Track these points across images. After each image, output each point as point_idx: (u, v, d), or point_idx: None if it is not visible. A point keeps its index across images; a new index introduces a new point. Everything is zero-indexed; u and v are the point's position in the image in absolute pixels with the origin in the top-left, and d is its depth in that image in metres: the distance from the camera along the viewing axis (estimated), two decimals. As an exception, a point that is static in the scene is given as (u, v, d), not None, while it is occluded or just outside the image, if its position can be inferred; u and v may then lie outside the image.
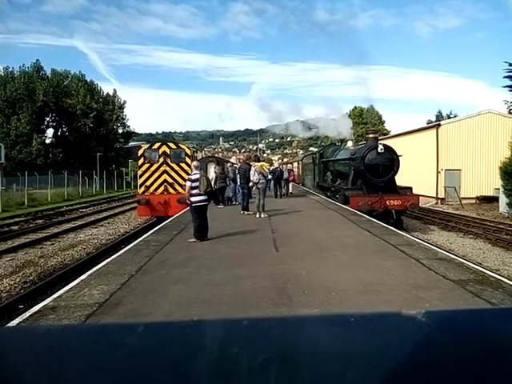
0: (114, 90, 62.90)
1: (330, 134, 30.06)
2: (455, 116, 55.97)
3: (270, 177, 16.17)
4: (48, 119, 53.16)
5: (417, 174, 26.30)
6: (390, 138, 36.50)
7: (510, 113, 35.45)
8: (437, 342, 0.56)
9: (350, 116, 59.14)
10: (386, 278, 5.70)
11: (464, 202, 25.80)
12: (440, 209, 24.13)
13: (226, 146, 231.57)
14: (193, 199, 8.78)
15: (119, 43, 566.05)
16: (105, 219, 20.69)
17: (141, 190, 18.54)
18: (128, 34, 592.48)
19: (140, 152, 18.71)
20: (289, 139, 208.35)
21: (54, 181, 34.40)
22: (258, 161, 14.10)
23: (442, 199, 27.60)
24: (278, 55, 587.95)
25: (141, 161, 18.55)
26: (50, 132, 54.36)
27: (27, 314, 4.67)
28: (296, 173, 37.86)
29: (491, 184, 25.82)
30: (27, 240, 14.20)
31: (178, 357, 0.54)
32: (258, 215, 12.50)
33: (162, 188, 18.33)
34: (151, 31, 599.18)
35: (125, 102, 60.84)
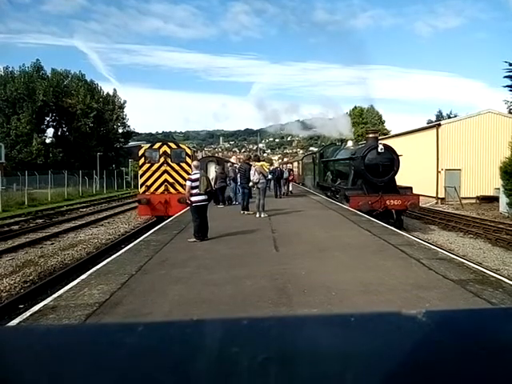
0: (114, 89, 63.06)
1: (327, 133, 30.12)
2: (455, 116, 55.95)
3: (270, 176, 16.17)
4: (48, 119, 53.15)
5: (417, 173, 26.29)
6: (390, 137, 36.50)
7: (510, 113, 35.44)
8: (437, 342, 0.56)
9: (350, 116, 59.21)
10: (386, 277, 5.70)
11: (464, 201, 25.80)
12: (440, 209, 24.13)
13: (226, 145, 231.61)
14: (193, 199, 8.78)
15: (119, 43, 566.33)
16: (105, 219, 20.69)
17: (141, 190, 18.58)
18: (128, 34, 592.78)
19: (141, 152, 18.76)
20: (289, 139, 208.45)
21: (54, 180, 34.41)
22: (258, 160, 14.10)
23: (442, 199, 27.60)
24: (279, 55, 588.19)
25: (141, 160, 18.60)
26: (50, 132, 54.44)
27: (27, 313, 4.67)
28: (296, 172, 37.88)
29: (491, 184, 25.82)
30: (27, 240, 14.20)
31: (177, 356, 0.54)
32: (258, 215, 12.50)
33: (162, 188, 18.39)
34: (151, 31, 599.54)
35: (125, 101, 60.91)
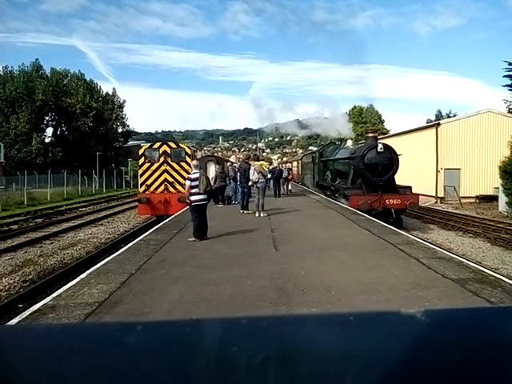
0: (114, 89, 62.97)
1: (323, 132, 30.16)
2: (455, 115, 55.90)
3: (269, 176, 16.18)
4: (47, 118, 53.10)
5: (416, 173, 26.30)
6: (389, 137, 36.49)
7: (509, 112, 35.45)
8: (436, 341, 0.56)
9: (349, 115, 59.23)
10: (385, 277, 5.70)
11: (463, 201, 25.82)
12: (439, 208, 24.15)
13: (226, 145, 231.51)
14: (192, 198, 8.78)
15: (118, 42, 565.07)
16: (104, 218, 20.69)
17: (141, 189, 18.65)
18: (127, 33, 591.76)
19: (141, 151, 18.83)
20: (288, 138, 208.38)
21: (53, 180, 34.38)
22: (258, 160, 14.11)
23: (442, 198, 27.61)
24: (278, 54, 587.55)
25: (141, 160, 18.67)
26: (49, 131, 54.36)
27: (27, 312, 4.67)
28: (295, 172, 37.88)
29: (491, 183, 25.83)
30: (27, 239, 14.20)
31: (177, 356, 0.54)
32: (257, 214, 12.50)
33: (162, 187, 18.46)
34: (150, 30, 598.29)
35: (124, 101, 60.86)
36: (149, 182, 18.50)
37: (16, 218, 20.05)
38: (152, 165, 18.51)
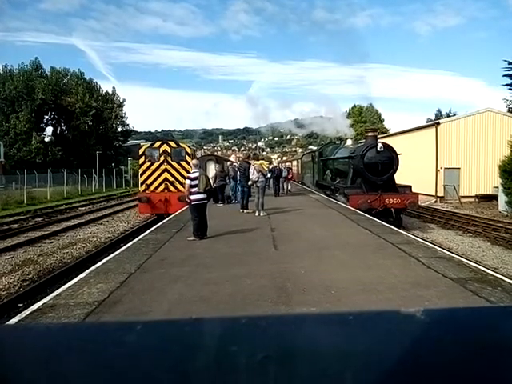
0: (113, 88, 63.13)
1: (320, 131, 30.20)
2: (454, 114, 55.95)
3: (269, 175, 16.18)
4: (47, 117, 53.07)
5: (416, 172, 26.30)
6: (389, 136, 36.48)
7: (509, 111, 35.45)
8: (436, 340, 0.56)
9: (349, 114, 59.23)
10: (385, 276, 5.70)
11: (463, 200, 25.82)
12: (439, 207, 24.15)
13: (226, 144, 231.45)
14: (192, 197, 8.78)
15: (118, 41, 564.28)
16: (104, 217, 20.69)
17: (142, 188, 18.72)
18: (127, 32, 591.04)
19: (141, 151, 18.89)
20: (288, 137, 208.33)
21: (53, 179, 34.40)
22: (257, 159, 14.10)
23: (442, 197, 27.62)
24: (278, 54, 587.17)
25: (142, 159, 18.75)
26: (49, 130, 54.31)
27: (26, 312, 4.67)
28: (295, 171, 37.88)
29: (490, 182, 25.83)
30: (26, 238, 14.20)
31: (177, 355, 0.54)
32: (257, 213, 12.50)
33: (162, 186, 18.52)
34: (150, 29, 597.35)
35: (124, 100, 60.82)
36: (149, 181, 18.56)
37: (16, 217, 20.05)
38: (152, 164, 18.58)
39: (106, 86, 59.00)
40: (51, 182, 33.49)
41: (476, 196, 26.85)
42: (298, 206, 14.94)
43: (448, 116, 58.97)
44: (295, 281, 5.53)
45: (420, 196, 17.82)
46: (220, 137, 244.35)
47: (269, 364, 0.50)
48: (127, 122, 61.83)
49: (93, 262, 8.98)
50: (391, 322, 0.61)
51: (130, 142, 65.49)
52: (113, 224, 18.59)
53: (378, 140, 17.10)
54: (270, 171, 17.27)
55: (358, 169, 16.29)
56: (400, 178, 17.32)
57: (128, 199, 32.02)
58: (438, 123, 28.92)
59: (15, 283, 9.22)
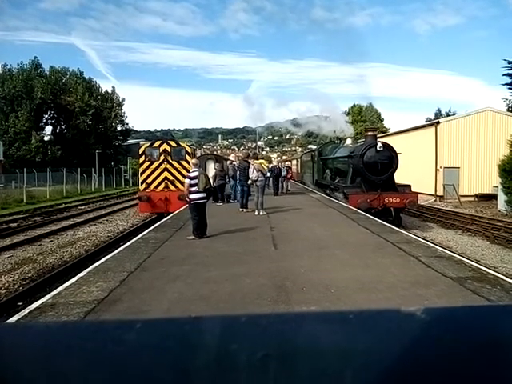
0: (113, 87, 62.92)
1: (318, 130, 30.28)
2: (454, 114, 55.99)
3: (268, 174, 16.18)
4: (46, 116, 53.04)
5: (416, 171, 26.33)
6: (388, 135, 36.50)
7: (508, 111, 35.46)
8: (436, 339, 0.56)
9: (348, 114, 59.24)
10: (384, 275, 5.71)
11: (463, 199, 25.84)
12: (439, 206, 24.17)
13: (225, 143, 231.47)
14: (192, 196, 8.78)
15: (117, 40, 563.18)
16: (103, 216, 20.70)
17: (142, 187, 18.81)
18: (126, 32, 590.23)
19: (141, 150, 18.98)
20: (287, 137, 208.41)
21: (52, 178, 34.41)
22: (257, 158, 14.11)
23: (441, 197, 27.64)
24: (277, 53, 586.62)
25: (142, 158, 18.84)
26: (48, 129, 54.28)
27: (26, 311, 4.67)
28: (295, 170, 37.89)
29: (490, 182, 25.86)
30: (26, 237, 14.19)
31: (176, 353, 0.54)
32: (256, 213, 12.51)
33: (162, 185, 18.61)
34: (150, 29, 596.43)
35: (123, 99, 60.79)
36: (149, 180, 18.64)
37: (15, 216, 20.05)
38: (152, 163, 18.67)
39: (105, 86, 59.35)
40: (51, 180, 33.49)
41: (475, 195, 26.87)
42: (298, 206, 14.95)
43: (448, 115, 58.98)
44: (295, 280, 5.53)
45: (419, 195, 17.83)
46: (220, 136, 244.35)
47: (269, 362, 0.50)
48: (127, 121, 61.93)
49: (92, 260, 8.98)
50: (391, 320, 0.61)
51: (130, 141, 65.42)
52: (112, 223, 18.59)
53: (378, 139, 17.11)
54: (269, 170, 17.28)
55: (358, 168, 16.29)
56: (399, 177, 17.32)
57: (127, 198, 32.02)
58: (438, 122, 28.93)
59: (15, 282, 9.23)
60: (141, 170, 18.98)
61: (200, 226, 8.83)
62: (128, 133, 64.62)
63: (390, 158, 16.04)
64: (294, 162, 44.69)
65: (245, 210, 13.29)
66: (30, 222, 18.50)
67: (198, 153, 33.30)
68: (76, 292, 5.19)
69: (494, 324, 0.60)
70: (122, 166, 57.58)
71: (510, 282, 5.48)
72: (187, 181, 8.85)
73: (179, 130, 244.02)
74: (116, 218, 20.26)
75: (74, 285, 5.55)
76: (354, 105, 68.18)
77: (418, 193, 17.11)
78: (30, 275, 9.78)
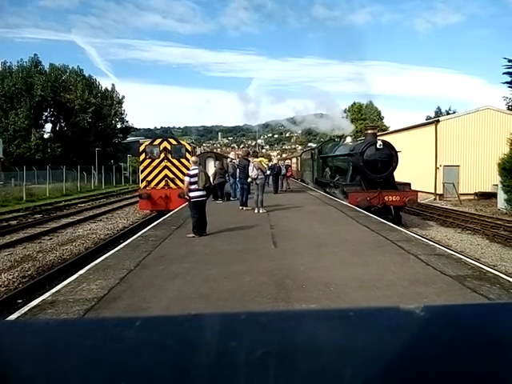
0: (113, 84, 62.84)
1: (316, 128, 30.40)
2: (454, 112, 55.92)
3: (268, 172, 16.17)
4: (46, 114, 53.02)
5: (415, 169, 26.32)
6: (388, 133, 36.49)
7: (508, 109, 35.42)
8: (435, 337, 0.56)
9: (348, 112, 59.16)
10: (384, 273, 5.71)
11: (462, 197, 25.85)
12: (438, 205, 24.17)
13: (225, 141, 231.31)
14: (191, 194, 8.77)
15: (117, 38, 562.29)
16: (103, 214, 20.70)
17: (142, 185, 18.87)
18: (126, 29, 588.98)
19: (141, 148, 19.01)
20: (287, 135, 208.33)
21: (52, 176, 34.37)
22: (257, 156, 14.10)
23: (441, 195, 27.64)
24: (277, 50, 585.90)
25: (142, 156, 18.89)
26: (48, 127, 54.30)
27: (26, 308, 4.68)
28: (295, 168, 37.85)
29: (490, 180, 25.86)
30: (26, 235, 14.20)
31: (176, 351, 0.54)
32: (256, 211, 12.51)
33: (163, 183, 18.67)
34: (150, 26, 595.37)
35: (123, 96, 60.72)
36: (149, 178, 18.70)
37: (15, 214, 20.04)
38: (153, 161, 18.72)
39: (105, 83, 59.32)
40: (50, 178, 33.47)
41: (475, 194, 26.87)
42: (298, 204, 14.95)
43: (448, 114, 58.97)
44: (294, 278, 5.53)
45: (419, 193, 17.84)
46: (219, 134, 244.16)
47: (268, 360, 0.50)
48: (126, 118, 61.88)
49: (92, 258, 8.98)
50: (391, 318, 0.61)
51: (130, 138, 65.37)
52: (112, 221, 18.60)
53: (378, 137, 17.09)
54: (269, 168, 17.27)
55: (358, 166, 16.28)
56: (399, 175, 17.32)
57: (127, 196, 32.02)
58: (438, 121, 28.91)
59: (14, 279, 9.23)
60: (141, 167, 19.05)
61: (200, 224, 8.83)
62: (128, 130, 64.56)
63: (390, 156, 16.03)
64: (294, 160, 44.63)
65: (245, 208, 13.29)
66: (29, 220, 18.49)
67: (198, 151, 33.28)
68: (76, 290, 5.19)
69: (492, 322, 0.61)
70: (122, 164, 57.56)
71: (509, 281, 5.48)
72: (187, 179, 8.84)
73: (179, 128, 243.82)
74: (116, 216, 20.26)
75: (73, 282, 5.55)
76: (354, 103, 68.11)
77: (417, 191, 17.11)
78: (29, 273, 9.78)
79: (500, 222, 16.42)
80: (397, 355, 0.52)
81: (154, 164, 18.67)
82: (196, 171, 8.86)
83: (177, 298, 4.83)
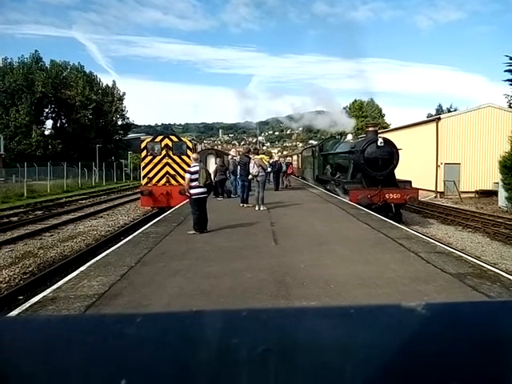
0: (113, 81, 62.90)
1: (314, 126, 30.48)
2: (455, 110, 55.88)
3: (269, 169, 16.17)
4: (47, 110, 52.94)
5: (416, 167, 26.30)
6: (389, 131, 36.44)
7: (510, 107, 35.35)
8: (436, 334, 0.56)
9: (349, 109, 59.09)
10: (384, 271, 5.72)
11: (463, 195, 25.84)
12: (439, 202, 24.17)
13: (226, 138, 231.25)
14: (192, 191, 8.77)
15: (118, 34, 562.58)
16: (104, 211, 20.72)
17: (144, 182, 19.00)
18: (127, 25, 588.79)
19: (143, 144, 19.09)
20: (288, 132, 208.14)
21: (53, 172, 34.43)
22: (257, 153, 14.09)
23: (442, 193, 27.63)
24: (278, 47, 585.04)
25: (143, 153, 19.00)
26: (49, 123, 54.19)
27: (27, 304, 4.68)
28: (296, 166, 37.85)
29: (490, 178, 25.83)
30: (27, 231, 14.22)
31: (177, 347, 0.54)
32: (257, 208, 12.51)
33: (164, 179, 18.78)
34: (151, 22, 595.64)
35: (124, 93, 60.61)
36: (151, 175, 18.80)
37: (16, 210, 20.07)
38: (154, 158, 18.82)
39: (106, 80, 59.11)
40: (51, 175, 33.52)
41: (476, 191, 26.86)
42: (298, 201, 14.95)
43: (449, 111, 58.90)
44: (295, 275, 5.54)
45: (420, 191, 17.82)
46: (220, 131, 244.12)
47: (269, 357, 0.50)
48: (127, 115, 61.78)
49: (93, 255, 9.00)
50: (392, 316, 0.61)
51: (130, 135, 65.36)
52: (113, 217, 18.61)
53: (379, 135, 17.07)
54: (270, 165, 17.27)
55: (359, 164, 16.27)
56: (400, 173, 17.31)
57: (128, 193, 32.03)
58: (439, 118, 28.87)
59: (15, 276, 9.25)
60: (143, 164, 19.19)
61: (200, 221, 8.84)
62: (128, 127, 64.50)
63: (391, 153, 16.01)
64: (295, 157, 44.62)
65: (245, 205, 13.29)
66: (30, 216, 18.52)
67: (199, 148, 33.26)
68: (77, 286, 5.20)
69: (493, 320, 0.61)
70: (123, 161, 57.55)
71: (509, 279, 5.48)
72: (188, 176, 8.84)
73: (179, 125, 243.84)
74: (116, 213, 20.28)
75: (74, 279, 5.56)
76: (355, 100, 68.02)
77: (418, 189, 17.09)
78: (30, 269, 9.80)
79: (501, 220, 16.42)
80: (397, 352, 0.52)
81: (156, 161, 18.76)
82: (197, 168, 8.85)
83: (177, 295, 4.84)
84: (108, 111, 56.19)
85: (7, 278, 9.04)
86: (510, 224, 15.46)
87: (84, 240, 13.28)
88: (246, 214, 11.82)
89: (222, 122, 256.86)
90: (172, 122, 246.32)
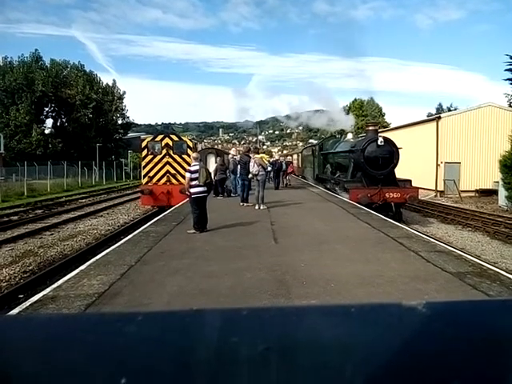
0: (114, 80, 62.54)
1: (313, 125, 30.55)
2: (455, 109, 55.79)
3: (269, 169, 16.17)
4: (47, 109, 52.86)
5: (416, 166, 26.28)
6: (390, 130, 36.42)
7: (510, 106, 35.31)
8: (437, 333, 0.56)
9: (350, 108, 59.07)
10: (384, 270, 5.72)
11: (463, 194, 25.83)
12: (439, 201, 24.16)
13: (226, 137, 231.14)
14: (192, 190, 8.77)
15: (118, 33, 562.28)
16: (104, 210, 20.71)
17: (144, 181, 19.07)
18: (127, 25, 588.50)
19: (143, 144, 19.14)
20: (288, 131, 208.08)
21: (53, 171, 34.43)
22: (258, 153, 14.09)
23: (442, 192, 27.62)
24: (278, 46, 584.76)
25: (144, 152, 19.05)
26: (49, 122, 54.10)
27: (27, 303, 4.69)
28: (296, 165, 37.85)
29: (490, 177, 25.83)
30: (27, 230, 14.22)
31: (177, 346, 0.54)
32: (257, 207, 12.51)
33: (164, 178, 18.83)
34: (151, 21, 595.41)
35: (124, 92, 60.50)
36: (151, 174, 18.86)
37: (16, 209, 20.07)
38: (154, 157, 18.88)
39: (106, 79, 59.01)
40: (51, 174, 33.52)
41: (476, 190, 26.85)
42: (298, 200, 14.94)
43: (449, 110, 58.84)
44: (295, 274, 5.54)
45: (420, 190, 17.82)
46: (220, 130, 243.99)
47: (270, 356, 0.50)
48: (127, 114, 61.68)
49: (93, 254, 9.00)
50: (393, 314, 0.61)
51: (130, 134, 65.25)
52: (113, 216, 18.62)
53: (379, 134, 17.07)
54: (270, 164, 17.27)
55: (359, 163, 16.27)
56: (400, 172, 17.30)
57: (128, 192, 32.02)
58: (439, 117, 28.85)
59: (16, 274, 9.25)
60: (143, 163, 19.25)
61: (200, 220, 8.83)
62: (129, 126, 64.41)
63: (391, 152, 16.01)
64: (295, 156, 44.62)
65: (245, 204, 13.29)
66: (30, 215, 18.52)
67: (199, 147, 33.27)
68: (77, 285, 5.21)
69: (493, 319, 0.61)
70: (123, 160, 57.48)
71: (509, 278, 5.49)
72: (188, 175, 8.84)
73: (180, 124, 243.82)
74: (117, 212, 20.28)
75: (74, 278, 5.56)
76: (355, 99, 67.95)
77: (418, 188, 17.10)
78: (30, 268, 9.81)
79: (501, 219, 16.42)
80: (398, 351, 0.52)
81: (156, 160, 18.81)
82: (197, 167, 8.85)
83: (177, 294, 4.84)
84: (108, 110, 56.12)
85: (7, 277, 9.04)
86: (510, 223, 15.46)
87: (84, 239, 13.28)
88: (246, 213, 11.82)
89: (222, 121, 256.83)
90: (172, 121, 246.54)
